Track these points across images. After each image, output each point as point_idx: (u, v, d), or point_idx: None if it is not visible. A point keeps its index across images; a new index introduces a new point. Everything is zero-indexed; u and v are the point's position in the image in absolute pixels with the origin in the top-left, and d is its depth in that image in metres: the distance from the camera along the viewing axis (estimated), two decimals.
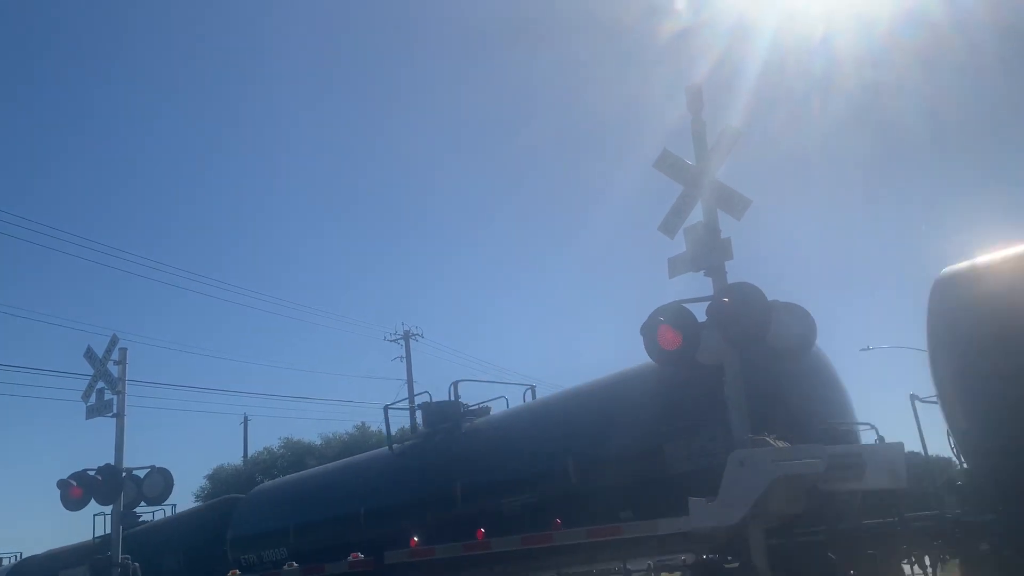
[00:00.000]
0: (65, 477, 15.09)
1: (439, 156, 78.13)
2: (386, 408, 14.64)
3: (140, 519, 19.96)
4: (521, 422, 12.60)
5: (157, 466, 15.59)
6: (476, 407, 13.32)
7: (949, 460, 9.66)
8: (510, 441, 12.09)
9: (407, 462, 13.37)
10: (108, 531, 18.27)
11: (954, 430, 8.24)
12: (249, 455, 46.52)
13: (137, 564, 15.40)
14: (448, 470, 12.26)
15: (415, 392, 42.35)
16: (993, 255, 8.68)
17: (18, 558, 25.67)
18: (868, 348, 34.31)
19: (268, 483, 20.55)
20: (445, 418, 13.13)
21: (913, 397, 9.26)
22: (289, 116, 79.44)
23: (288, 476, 20.12)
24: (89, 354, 16.15)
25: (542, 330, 77.02)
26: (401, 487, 13.03)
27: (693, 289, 9.04)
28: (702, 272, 8.99)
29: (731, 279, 8.76)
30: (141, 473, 15.51)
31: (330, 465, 17.47)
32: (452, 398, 13.47)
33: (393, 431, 14.96)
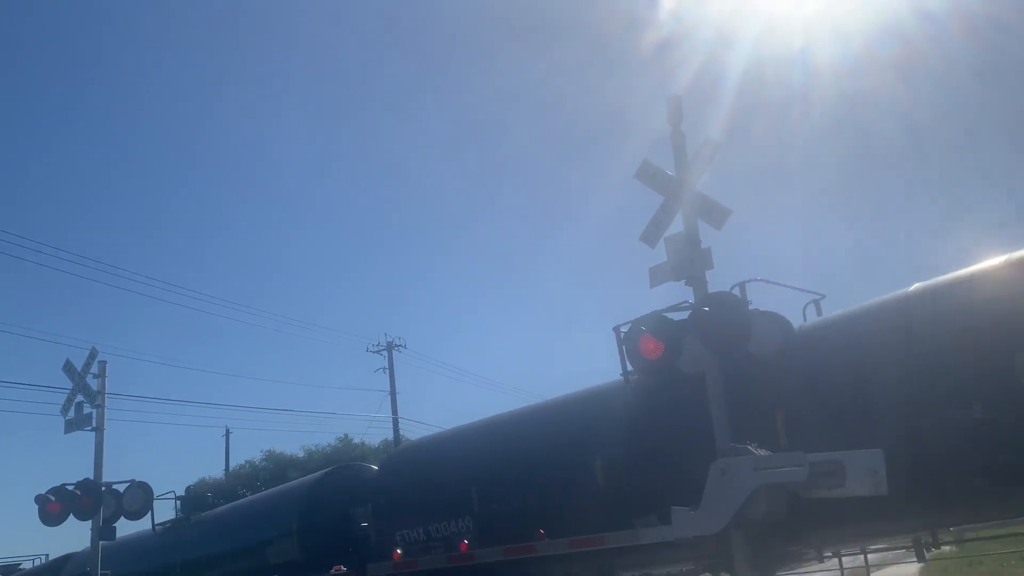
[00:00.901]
0: (43, 492, 14.94)
1: (421, 164, 78.26)
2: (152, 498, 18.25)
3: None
4: (222, 518, 18.52)
5: (137, 480, 15.47)
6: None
7: None
8: (208, 533, 17.57)
9: (160, 541, 18.38)
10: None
11: None
12: (231, 468, 46.25)
13: None
14: (174, 550, 17.78)
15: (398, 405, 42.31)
16: None
17: None
18: None
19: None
20: (184, 510, 18.48)
21: None
22: (269, 125, 79.36)
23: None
24: (68, 367, 16.01)
25: (527, 340, 77.12)
26: (152, 559, 18.25)
27: (675, 298, 9.12)
28: (683, 281, 9.06)
29: (712, 288, 8.84)
30: (121, 487, 15.38)
31: (130, 534, 22.25)
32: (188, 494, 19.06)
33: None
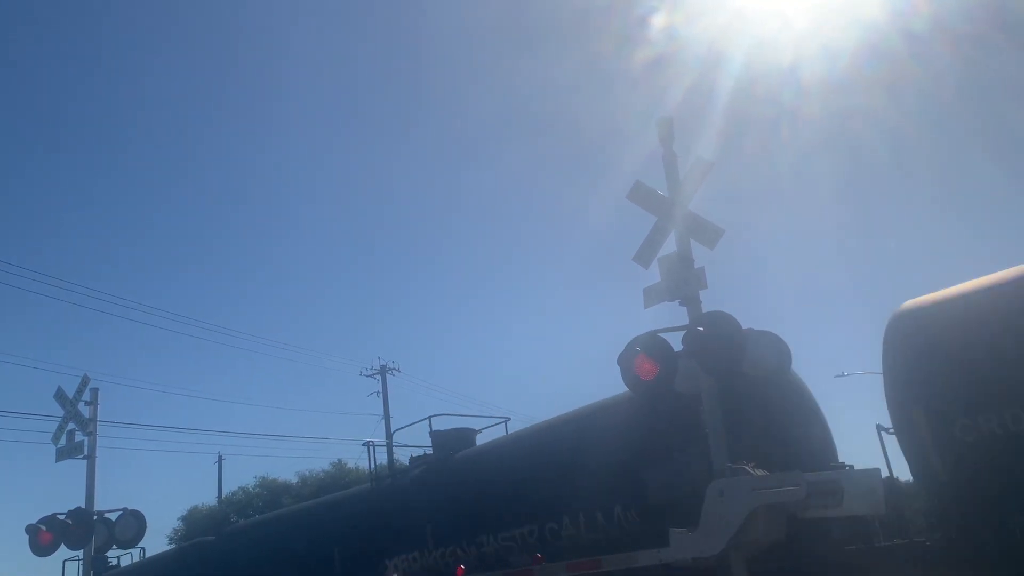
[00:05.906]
0: (34, 522, 14.78)
1: (415, 184, 78.43)
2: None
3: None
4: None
5: (129, 508, 15.35)
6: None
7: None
8: None
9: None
10: None
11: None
12: (224, 495, 45.82)
13: None
14: None
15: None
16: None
17: None
18: (843, 375, 34.81)
19: None
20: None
21: (879, 428, 9.48)
22: (260, 144, 79.51)
23: None
24: (60, 395, 15.91)
25: (524, 362, 76.97)
26: None
27: (670, 318, 9.12)
28: (677, 302, 9.06)
29: (706, 307, 8.83)
30: (113, 516, 15.25)
31: None
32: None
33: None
